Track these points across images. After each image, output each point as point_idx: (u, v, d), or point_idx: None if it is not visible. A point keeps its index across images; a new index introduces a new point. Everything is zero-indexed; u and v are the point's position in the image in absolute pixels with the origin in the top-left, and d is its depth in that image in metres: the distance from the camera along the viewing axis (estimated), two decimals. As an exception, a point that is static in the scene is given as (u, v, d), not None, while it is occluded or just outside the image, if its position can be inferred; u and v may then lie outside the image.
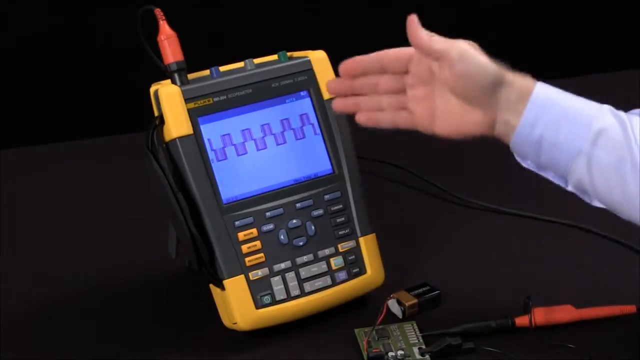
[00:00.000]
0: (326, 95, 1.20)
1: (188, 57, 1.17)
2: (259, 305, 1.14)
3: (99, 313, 1.24)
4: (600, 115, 1.03)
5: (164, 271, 1.29)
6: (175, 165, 1.14)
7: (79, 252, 1.37)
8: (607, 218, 1.12)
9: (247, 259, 1.14)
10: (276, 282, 1.15)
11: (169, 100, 1.14)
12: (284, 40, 1.29)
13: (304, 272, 1.16)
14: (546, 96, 1.04)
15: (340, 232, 1.19)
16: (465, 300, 1.21)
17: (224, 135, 1.17)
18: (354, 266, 1.19)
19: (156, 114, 1.16)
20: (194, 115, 1.15)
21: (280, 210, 1.17)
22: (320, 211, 1.18)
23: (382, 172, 1.51)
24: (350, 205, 1.19)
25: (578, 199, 1.10)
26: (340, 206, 1.19)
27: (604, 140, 1.02)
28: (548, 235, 1.34)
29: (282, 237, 1.16)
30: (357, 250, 1.19)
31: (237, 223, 1.15)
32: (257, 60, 1.21)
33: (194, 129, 1.15)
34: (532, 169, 1.08)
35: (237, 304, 1.14)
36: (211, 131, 1.16)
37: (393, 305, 1.19)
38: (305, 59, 1.21)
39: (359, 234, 1.19)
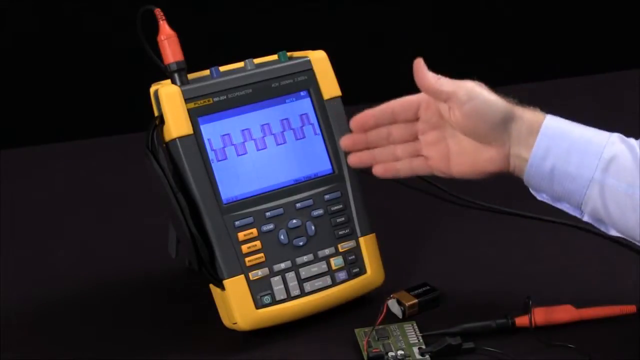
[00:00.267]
0: (326, 95, 1.20)
1: (188, 57, 1.17)
2: (259, 305, 1.14)
3: (99, 313, 1.24)
4: (610, 143, 1.04)
5: (164, 271, 1.29)
6: (175, 165, 1.14)
7: (79, 252, 1.37)
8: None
9: (247, 259, 1.14)
10: (276, 282, 1.15)
11: (169, 100, 1.14)
12: (284, 40, 1.29)
13: (304, 272, 1.17)
14: (556, 128, 1.05)
15: (340, 232, 1.19)
16: (465, 300, 1.21)
17: (224, 135, 1.17)
18: (354, 266, 1.19)
19: (156, 114, 1.16)
20: (194, 115, 1.15)
21: (280, 210, 1.17)
22: (320, 211, 1.18)
23: (382, 172, 1.51)
24: (350, 205, 1.19)
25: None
26: (340, 206, 1.19)
27: (615, 168, 1.03)
28: (548, 235, 1.34)
29: (282, 237, 1.16)
30: (357, 250, 1.19)
31: (237, 223, 1.15)
32: (257, 60, 1.21)
33: (194, 129, 1.15)
34: (548, 202, 1.09)
35: (237, 304, 1.14)
36: (211, 131, 1.16)
37: (393, 305, 1.19)
38: (305, 59, 1.21)
39: (359, 234, 1.19)
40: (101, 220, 1.45)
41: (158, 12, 1.17)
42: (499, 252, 1.31)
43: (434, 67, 1.09)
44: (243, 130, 1.18)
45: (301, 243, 1.17)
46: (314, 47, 1.22)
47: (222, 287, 1.14)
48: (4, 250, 1.37)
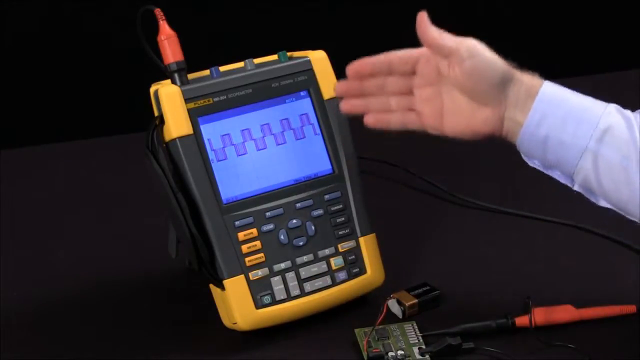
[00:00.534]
0: (326, 95, 1.20)
1: (188, 57, 1.17)
2: (259, 305, 1.14)
3: (99, 313, 1.24)
4: (606, 113, 1.03)
5: (164, 271, 1.29)
6: (175, 165, 1.14)
7: (79, 252, 1.37)
8: (607, 218, 1.12)
9: (247, 259, 1.14)
10: (276, 282, 1.15)
11: (169, 100, 1.14)
12: (284, 40, 1.29)
13: (304, 272, 1.16)
14: (553, 94, 1.04)
15: (340, 232, 1.19)
16: (465, 300, 1.21)
17: (224, 135, 1.17)
18: (354, 266, 1.19)
19: (156, 114, 1.16)
20: (194, 115, 1.15)
21: (280, 210, 1.17)
22: (320, 211, 1.18)
23: (382, 172, 1.51)
24: (350, 205, 1.19)
25: (578, 199, 1.10)
26: (340, 206, 1.19)
27: (610, 138, 1.02)
28: (548, 235, 1.34)
29: (282, 237, 1.16)
30: (357, 250, 1.19)
31: (237, 223, 1.15)
32: (257, 60, 1.21)
33: (194, 129, 1.15)
34: (539, 169, 1.08)
35: (237, 304, 1.14)
36: (211, 131, 1.16)
37: (393, 305, 1.19)
38: (305, 59, 1.21)
39: (359, 234, 1.19)
40: (101, 220, 1.44)
41: (158, 12, 1.17)
42: (499, 252, 1.31)
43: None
44: (243, 130, 1.18)
45: (301, 243, 1.17)
46: (314, 47, 1.22)
47: (222, 287, 1.14)
48: (4, 250, 1.37)
